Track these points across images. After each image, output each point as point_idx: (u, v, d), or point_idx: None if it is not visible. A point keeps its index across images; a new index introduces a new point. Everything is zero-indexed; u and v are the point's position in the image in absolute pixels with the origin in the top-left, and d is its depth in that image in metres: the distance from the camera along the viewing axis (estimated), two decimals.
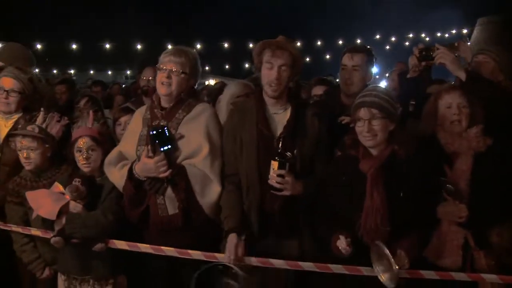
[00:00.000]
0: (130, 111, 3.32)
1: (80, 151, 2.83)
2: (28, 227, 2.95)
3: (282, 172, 2.49)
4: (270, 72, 2.59)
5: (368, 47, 3.29)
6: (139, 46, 20.01)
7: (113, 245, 2.74)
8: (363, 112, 2.45)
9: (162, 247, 2.66)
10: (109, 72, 32.21)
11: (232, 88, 3.38)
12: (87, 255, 2.77)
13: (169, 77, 2.70)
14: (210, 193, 2.65)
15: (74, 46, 19.24)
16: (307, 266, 2.55)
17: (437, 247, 2.59)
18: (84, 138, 2.84)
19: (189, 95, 2.80)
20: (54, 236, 2.67)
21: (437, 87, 3.22)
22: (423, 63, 2.92)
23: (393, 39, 20.85)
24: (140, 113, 2.90)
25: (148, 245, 2.69)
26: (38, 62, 4.30)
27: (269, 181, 2.52)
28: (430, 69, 3.14)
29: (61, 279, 2.90)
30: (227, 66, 28.43)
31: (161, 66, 2.72)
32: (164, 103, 2.78)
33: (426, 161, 2.50)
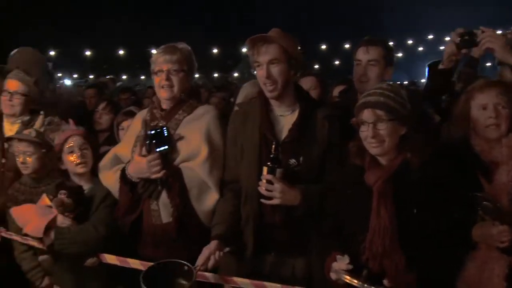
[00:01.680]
0: (134, 115, 3.17)
1: (72, 152, 2.73)
2: (26, 237, 2.82)
3: (270, 177, 2.24)
4: (260, 71, 2.35)
5: (386, 40, 2.90)
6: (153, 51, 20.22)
7: (104, 259, 2.59)
8: (366, 114, 2.08)
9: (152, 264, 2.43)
10: None
11: (247, 89, 3.16)
12: (80, 270, 2.64)
13: (168, 78, 2.53)
14: (207, 200, 2.47)
15: (121, 52, 19.74)
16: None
17: (474, 277, 2.17)
18: (74, 137, 2.75)
19: (190, 96, 2.64)
20: (42, 253, 2.54)
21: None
22: (464, 51, 2.48)
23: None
24: (141, 115, 2.78)
25: (137, 261, 2.51)
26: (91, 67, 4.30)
27: (259, 188, 2.27)
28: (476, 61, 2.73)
29: None
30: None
31: (157, 68, 2.56)
32: (165, 105, 2.62)
33: (453, 172, 2.09)
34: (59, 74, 20.91)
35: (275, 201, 2.25)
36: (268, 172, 2.25)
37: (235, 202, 2.44)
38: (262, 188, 2.25)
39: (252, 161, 2.38)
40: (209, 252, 2.25)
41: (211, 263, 2.24)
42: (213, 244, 2.29)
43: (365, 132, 2.09)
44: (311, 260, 2.36)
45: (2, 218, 3.01)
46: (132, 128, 2.78)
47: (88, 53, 19.46)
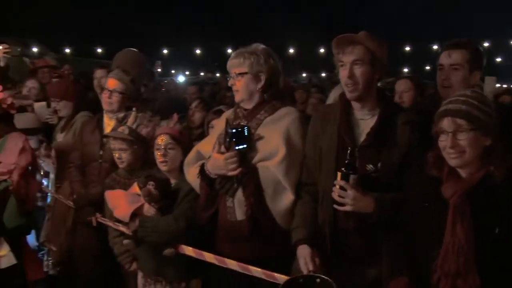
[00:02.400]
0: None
1: (158, 149, 2.86)
2: (117, 223, 3.06)
3: (342, 183, 2.18)
4: (343, 71, 2.30)
5: (473, 42, 2.68)
6: (291, 50, 20.38)
7: (181, 251, 2.72)
8: (446, 123, 1.95)
9: (225, 259, 2.55)
10: None
11: (338, 91, 3.14)
12: (160, 257, 2.78)
13: (234, 83, 2.61)
14: (281, 200, 2.47)
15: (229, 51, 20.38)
16: None
17: None
18: (163, 136, 2.86)
19: (273, 97, 2.65)
20: (127, 237, 2.73)
21: None
22: None
23: None
24: (226, 115, 2.84)
25: (212, 255, 2.61)
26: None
27: (332, 193, 2.23)
28: None
29: (140, 276, 2.98)
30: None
31: (233, 72, 2.63)
32: (248, 106, 2.67)
33: None
34: (173, 71, 22.15)
35: (347, 208, 2.20)
36: (342, 178, 2.20)
37: (314, 204, 2.43)
38: (335, 193, 2.21)
39: (330, 165, 2.34)
40: (310, 255, 2.27)
41: (318, 261, 2.26)
42: (305, 247, 2.30)
43: (444, 142, 1.97)
44: (382, 270, 2.25)
45: (100, 205, 3.28)
46: (217, 127, 2.86)
47: (198, 51, 20.37)
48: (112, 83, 3.43)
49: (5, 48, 4.50)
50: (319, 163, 2.41)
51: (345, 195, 2.18)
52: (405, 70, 21.11)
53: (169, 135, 2.85)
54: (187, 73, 22.05)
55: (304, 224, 2.37)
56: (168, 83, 9.03)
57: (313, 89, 7.32)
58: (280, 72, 2.72)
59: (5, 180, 2.86)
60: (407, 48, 20.64)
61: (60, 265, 3.83)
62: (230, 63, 2.63)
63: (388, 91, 4.97)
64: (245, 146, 2.47)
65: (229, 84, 2.66)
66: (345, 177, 2.19)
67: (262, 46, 2.66)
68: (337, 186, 2.20)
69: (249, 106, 2.65)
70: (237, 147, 2.46)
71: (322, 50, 20.21)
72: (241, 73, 2.57)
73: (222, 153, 2.47)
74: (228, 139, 2.49)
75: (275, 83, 2.68)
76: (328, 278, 2.11)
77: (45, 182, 4.13)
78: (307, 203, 2.43)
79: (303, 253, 2.29)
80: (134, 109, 3.25)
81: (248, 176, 2.46)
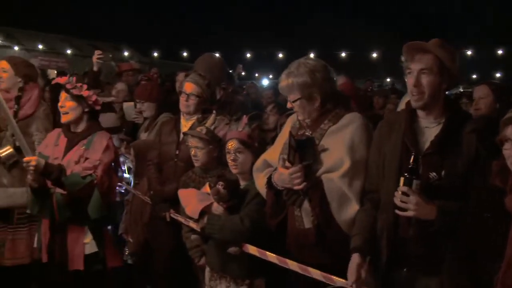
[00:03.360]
0: None
1: (229, 153, 2.98)
2: (188, 219, 3.23)
3: (405, 189, 2.15)
4: (410, 79, 2.29)
5: None
6: (374, 55, 19.95)
7: (246, 250, 2.82)
8: (510, 131, 1.90)
9: (287, 260, 2.63)
10: None
11: (407, 97, 3.12)
12: (226, 255, 2.90)
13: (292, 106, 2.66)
14: (347, 211, 2.48)
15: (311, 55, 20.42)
16: None
17: None
18: (232, 141, 2.97)
19: (335, 105, 2.64)
20: (195, 233, 2.89)
21: None
22: None
23: None
24: (291, 120, 2.86)
25: (274, 256, 2.69)
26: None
27: (394, 198, 2.21)
28: None
29: (207, 270, 3.12)
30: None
31: None
32: (307, 122, 2.69)
33: None
34: (256, 75, 22.49)
35: (409, 213, 2.17)
36: (405, 184, 2.18)
37: (373, 212, 2.42)
38: (397, 199, 2.19)
39: (392, 172, 2.33)
40: (357, 266, 2.30)
41: (363, 275, 2.29)
42: (356, 257, 2.32)
43: (508, 151, 1.93)
44: (444, 281, 2.23)
45: (174, 202, 3.46)
46: (283, 134, 2.87)
47: (281, 55, 20.55)
48: (189, 86, 3.61)
49: (99, 54, 4.86)
50: (382, 169, 2.41)
51: (407, 201, 2.15)
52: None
53: (238, 140, 2.96)
54: (270, 76, 22.30)
55: (361, 232, 2.39)
56: (249, 86, 9.22)
57: (393, 95, 7.20)
58: (333, 79, 2.71)
59: (90, 175, 3.09)
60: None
61: (137, 255, 4.11)
62: (281, 87, 2.65)
63: (467, 98, 4.79)
64: (309, 161, 2.49)
65: (288, 106, 2.70)
66: (408, 183, 2.17)
67: (308, 62, 2.62)
68: (400, 192, 2.18)
69: (310, 120, 2.66)
70: (301, 162, 2.47)
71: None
72: (295, 100, 2.60)
73: (287, 167, 2.51)
74: (292, 152, 2.51)
75: (333, 91, 2.68)
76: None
77: (127, 176, 4.46)
78: (367, 210, 2.44)
79: (352, 262, 2.32)
80: (214, 111, 3.41)
81: (313, 189, 2.49)
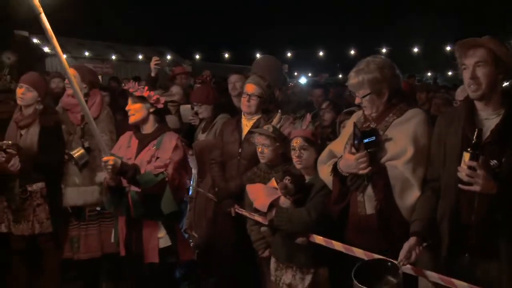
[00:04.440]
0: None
1: (294, 150, 3.13)
2: (253, 213, 3.41)
3: (473, 164, 2.23)
4: (466, 73, 2.40)
5: None
6: (416, 49, 19.76)
7: (312, 239, 2.97)
8: None
9: (353, 248, 2.76)
10: None
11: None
12: (292, 245, 3.07)
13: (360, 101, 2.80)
14: (409, 197, 2.61)
15: (352, 52, 20.39)
16: None
17: None
18: (297, 139, 3.13)
19: (399, 100, 2.81)
20: (264, 225, 3.06)
21: None
22: None
23: None
24: (356, 116, 3.03)
25: (340, 244, 2.83)
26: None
27: (458, 174, 2.29)
28: None
29: (272, 261, 3.29)
30: None
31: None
32: (373, 114, 2.85)
33: None
34: (295, 73, 22.61)
35: (475, 188, 2.24)
36: (471, 158, 2.25)
37: (434, 199, 2.55)
38: (462, 173, 2.26)
39: (453, 161, 2.43)
40: (409, 247, 2.45)
41: (412, 257, 2.45)
42: (412, 239, 2.48)
43: None
44: (502, 266, 2.33)
45: (238, 197, 3.67)
46: (348, 128, 3.05)
47: (321, 53, 20.62)
48: (250, 87, 3.79)
49: (156, 61, 5.10)
50: (443, 160, 2.53)
51: (474, 175, 2.22)
52: None
53: (303, 138, 3.12)
54: (309, 74, 22.36)
55: (421, 217, 2.52)
56: (293, 86, 9.39)
57: (442, 90, 7.17)
58: (399, 76, 2.87)
59: (162, 173, 3.28)
60: None
61: (201, 249, 4.32)
62: (351, 84, 2.82)
63: None
64: (373, 140, 2.65)
65: (356, 102, 2.85)
66: (474, 157, 2.24)
67: (376, 59, 2.80)
68: (466, 166, 2.25)
69: (376, 114, 2.83)
70: (366, 148, 2.63)
71: (448, 48, 19.32)
72: (364, 95, 2.76)
73: (353, 153, 2.67)
74: (357, 141, 2.67)
75: (398, 87, 2.85)
76: (398, 265, 2.35)
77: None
78: (428, 198, 2.57)
79: (406, 243, 2.46)
80: (279, 111, 3.57)
81: (377, 174, 2.64)
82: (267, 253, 3.42)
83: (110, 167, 3.17)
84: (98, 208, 4.25)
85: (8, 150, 3.89)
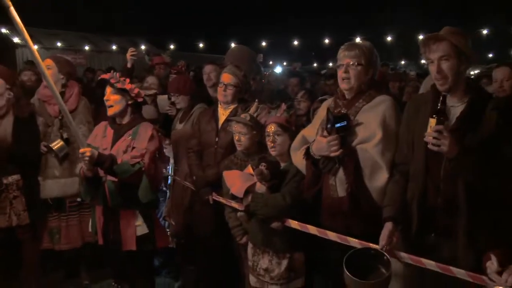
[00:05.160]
0: None
1: (268, 136, 3.22)
2: (230, 200, 3.47)
3: (440, 127, 2.34)
4: (432, 67, 2.52)
5: None
6: (389, 38, 20.00)
7: (287, 224, 3.05)
8: None
9: (327, 232, 2.85)
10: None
11: (430, 81, 3.32)
12: (268, 231, 3.14)
13: (346, 71, 2.87)
14: (378, 179, 2.73)
15: (326, 41, 20.56)
16: (459, 273, 2.39)
17: None
18: (271, 125, 3.22)
19: (369, 86, 2.92)
20: (240, 211, 3.13)
21: None
22: None
23: None
24: (327, 103, 3.14)
25: (315, 228, 2.92)
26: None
27: (425, 139, 2.40)
28: None
29: (250, 247, 3.37)
30: None
31: (339, 62, 2.91)
32: (347, 95, 2.96)
33: None
34: (270, 62, 22.64)
35: (443, 149, 2.33)
36: (437, 123, 2.36)
37: (403, 183, 2.68)
38: (429, 138, 2.35)
39: (421, 146, 2.54)
40: (389, 232, 2.58)
41: (394, 242, 2.58)
42: (389, 225, 2.60)
43: None
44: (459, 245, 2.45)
45: (215, 185, 3.72)
46: (319, 114, 3.16)
47: (295, 42, 20.69)
48: (226, 77, 3.84)
49: (132, 51, 5.11)
50: (412, 144, 2.66)
51: (441, 137, 2.33)
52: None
53: (277, 124, 3.21)
54: (284, 63, 22.41)
55: (393, 203, 2.65)
56: (268, 75, 9.44)
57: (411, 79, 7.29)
58: (378, 66, 3.03)
59: (138, 162, 3.33)
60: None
61: (178, 237, 4.38)
62: (344, 53, 2.90)
63: (487, 78, 4.96)
64: (344, 130, 2.75)
65: (341, 72, 2.90)
66: (440, 122, 2.37)
67: (367, 42, 2.97)
68: (432, 131, 2.36)
69: (350, 95, 2.93)
70: (337, 132, 2.74)
71: (420, 37, 19.58)
72: (358, 63, 2.86)
73: (325, 136, 2.77)
74: (330, 125, 2.78)
75: (374, 74, 2.98)
76: (383, 252, 2.50)
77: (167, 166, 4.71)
78: (398, 181, 2.69)
79: (385, 229, 2.59)
80: (256, 100, 3.65)
81: (348, 157, 2.75)
82: (244, 240, 3.50)
83: (87, 158, 3.19)
84: (78, 199, 4.28)
85: None
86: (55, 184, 4.22)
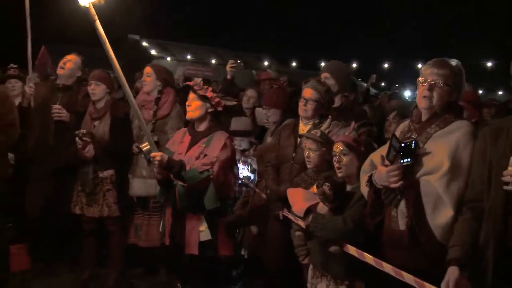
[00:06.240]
0: None
1: (334, 155, 3.08)
2: (298, 218, 3.35)
3: None
4: None
5: None
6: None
7: (346, 249, 2.88)
8: None
9: (383, 263, 2.63)
10: None
11: None
12: (327, 254, 2.98)
13: (430, 89, 2.62)
14: (441, 215, 2.43)
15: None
16: None
17: None
18: (338, 144, 3.07)
19: (446, 110, 2.64)
20: (299, 230, 3.02)
21: None
22: None
23: None
24: (402, 125, 2.91)
25: (372, 257, 2.71)
26: None
27: (503, 178, 2.12)
28: None
29: (310, 268, 3.24)
30: None
31: (422, 79, 2.66)
32: (423, 116, 2.70)
33: None
34: (396, 85, 21.92)
35: None
36: None
37: (475, 223, 2.34)
38: (508, 177, 2.10)
39: (500, 180, 2.19)
40: (454, 281, 2.23)
41: None
42: (454, 270, 2.26)
43: None
44: None
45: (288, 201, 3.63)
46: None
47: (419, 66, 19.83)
48: (308, 92, 3.76)
49: (232, 63, 5.27)
50: (487, 178, 2.31)
51: None
52: None
53: (344, 143, 3.06)
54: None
55: (461, 244, 2.31)
56: (382, 96, 9.14)
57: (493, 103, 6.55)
58: (463, 89, 2.73)
59: (207, 170, 3.39)
60: None
61: (252, 249, 4.36)
62: (433, 70, 2.63)
63: None
64: (409, 160, 2.50)
65: (424, 89, 2.64)
66: None
67: (458, 61, 2.68)
68: None
69: (427, 115, 2.67)
70: (401, 161, 2.51)
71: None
72: (445, 84, 2.60)
73: (386, 166, 2.56)
74: (394, 153, 2.56)
75: (458, 99, 2.70)
76: None
77: (252, 176, 4.74)
78: (468, 220, 2.35)
79: (450, 274, 2.25)
80: (329, 116, 3.56)
81: (409, 189, 2.50)
82: (306, 260, 3.36)
83: (157, 162, 3.33)
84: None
85: (84, 138, 4.25)
86: (142, 183, 4.48)
